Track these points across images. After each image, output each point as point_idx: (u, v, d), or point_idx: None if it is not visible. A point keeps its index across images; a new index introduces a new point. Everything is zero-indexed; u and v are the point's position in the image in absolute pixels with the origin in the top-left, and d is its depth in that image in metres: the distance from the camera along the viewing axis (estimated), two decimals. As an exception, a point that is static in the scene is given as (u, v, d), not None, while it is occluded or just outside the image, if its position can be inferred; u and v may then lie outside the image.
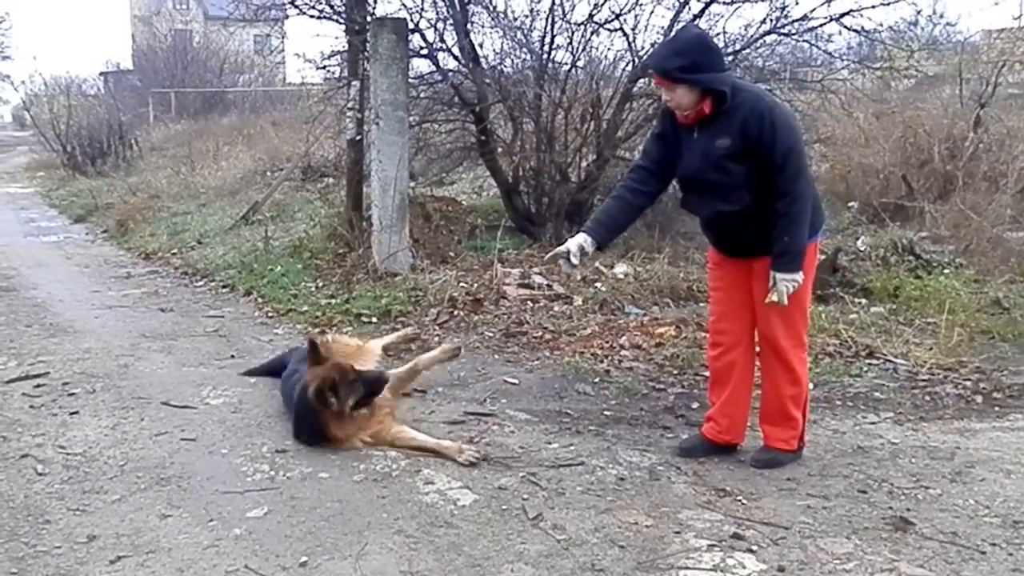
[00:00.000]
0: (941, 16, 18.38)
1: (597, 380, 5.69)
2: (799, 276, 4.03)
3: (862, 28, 8.84)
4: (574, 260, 4.15)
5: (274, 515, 3.80)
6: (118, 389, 5.58)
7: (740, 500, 3.95)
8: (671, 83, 3.99)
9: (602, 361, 6.03)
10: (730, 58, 8.82)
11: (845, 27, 8.73)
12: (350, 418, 4.52)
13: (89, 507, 3.90)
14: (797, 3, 8.72)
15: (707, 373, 5.54)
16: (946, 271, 7.65)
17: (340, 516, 3.79)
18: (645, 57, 9.02)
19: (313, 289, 8.15)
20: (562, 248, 4.17)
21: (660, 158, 4.26)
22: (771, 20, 8.82)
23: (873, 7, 8.54)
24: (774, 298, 4.04)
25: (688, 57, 3.93)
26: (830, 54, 9.69)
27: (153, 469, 4.30)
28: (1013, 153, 9.94)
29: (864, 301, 7.22)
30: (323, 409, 4.49)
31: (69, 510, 3.87)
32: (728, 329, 4.36)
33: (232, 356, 6.41)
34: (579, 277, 7.81)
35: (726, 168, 4.01)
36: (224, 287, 8.98)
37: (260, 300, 8.23)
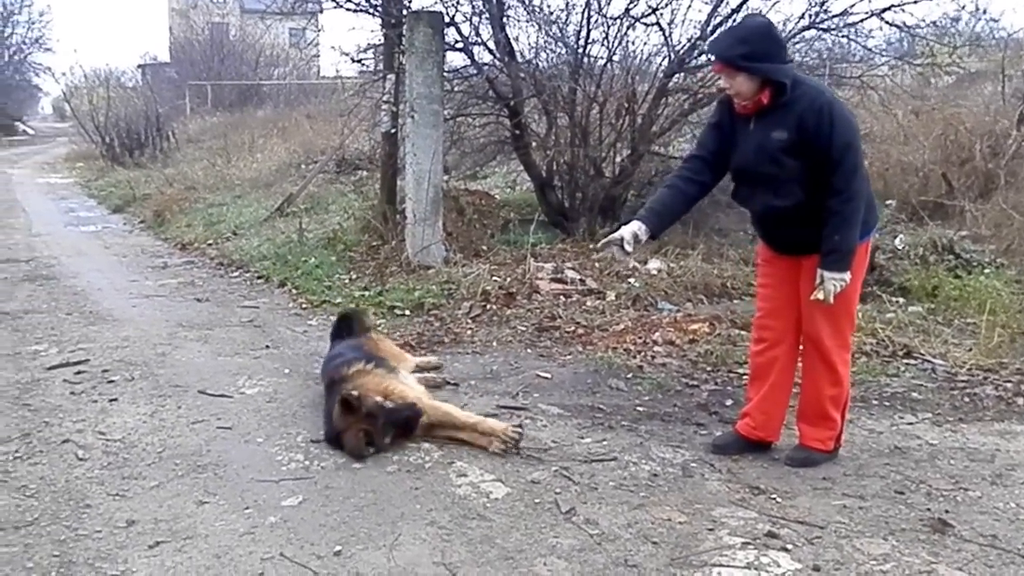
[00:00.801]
0: (984, 12, 18.01)
1: (630, 375, 5.69)
2: (847, 276, 3.99)
3: (904, 24, 8.74)
4: (628, 247, 4.11)
5: (309, 504, 3.83)
6: (156, 377, 5.66)
7: (774, 498, 3.93)
8: (732, 71, 3.96)
9: (635, 357, 6.03)
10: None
11: (886, 23, 8.64)
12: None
13: (128, 492, 3.95)
14: (837, -1, 8.62)
15: (741, 370, 5.60)
16: (986, 271, 7.55)
17: (374, 506, 3.82)
18: (682, 51, 8.99)
19: (347, 281, 8.21)
20: (616, 235, 4.14)
21: (716, 148, 4.23)
22: (810, 16, 8.75)
23: (915, 2, 8.45)
24: (819, 296, 4.01)
25: (751, 45, 3.90)
26: (869, 50, 9.58)
27: (190, 456, 4.35)
28: (1057, 152, 9.78)
29: (902, 300, 7.15)
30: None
31: (109, 495, 3.92)
32: (773, 326, 4.33)
33: (267, 346, 6.48)
34: (631, 265, 7.79)
35: (781, 161, 3.97)
36: (259, 278, 9.07)
37: (294, 291, 8.31)
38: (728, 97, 4.12)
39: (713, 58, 4.11)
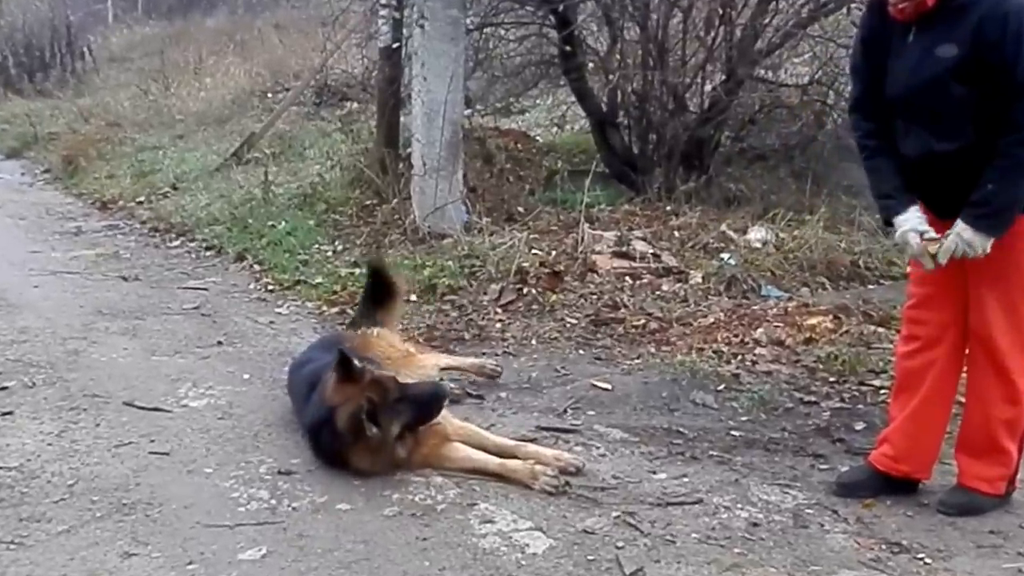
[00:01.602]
0: None
1: (722, 387, 5.69)
2: (987, 244, 3.94)
3: None
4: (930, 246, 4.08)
5: (275, 559, 3.87)
6: (65, 383, 5.73)
7: (922, 559, 3.92)
8: None
9: (729, 361, 6.03)
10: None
11: None
12: (391, 449, 4.57)
13: (27, 539, 4.00)
14: None
15: (878, 382, 5.62)
16: None
17: (365, 563, 3.85)
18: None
19: (330, 254, 8.28)
20: (917, 244, 4.10)
21: (877, 74, 4.19)
22: None
23: None
24: (932, 251, 4.01)
25: None
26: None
27: (112, 492, 4.40)
28: None
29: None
30: (356, 441, 4.55)
31: (0, 543, 3.98)
32: (929, 319, 4.32)
33: (219, 342, 6.55)
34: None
35: (947, 88, 3.93)
36: (208, 249, 9.17)
37: (257, 268, 8.40)
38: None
39: None
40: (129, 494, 4.39)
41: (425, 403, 4.60)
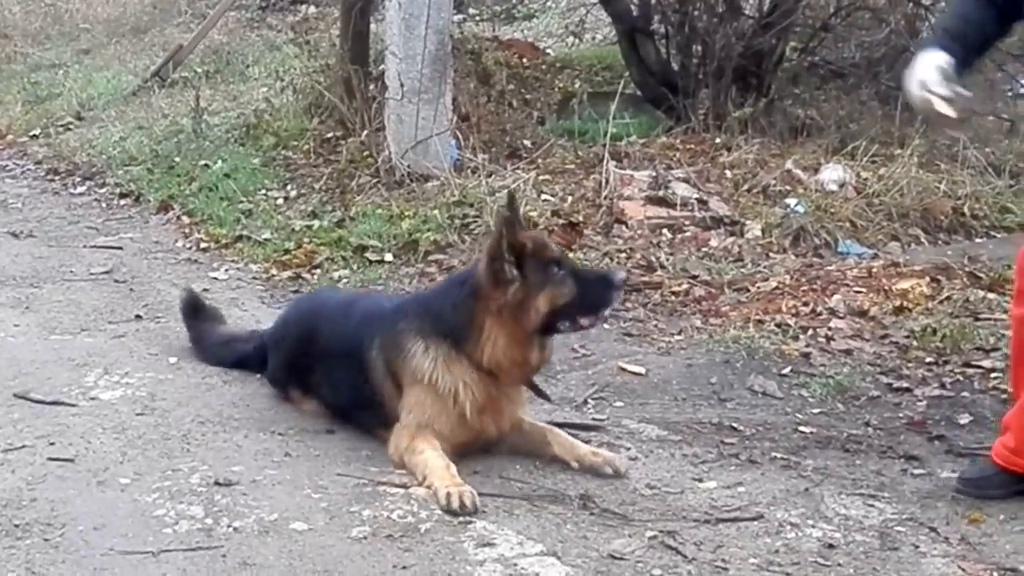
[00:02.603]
0: None
1: (787, 371, 5.72)
2: None
3: None
4: (946, 93, 4.12)
5: (212, 594, 3.88)
6: (-63, 369, 5.73)
7: (1046, 591, 3.94)
8: None
9: (797, 338, 6.07)
10: None
11: None
12: (530, 331, 4.56)
13: None
14: None
15: (989, 362, 5.62)
16: None
17: (328, 599, 3.86)
18: None
19: (281, 202, 8.29)
20: (918, 91, 4.19)
21: None
22: None
23: None
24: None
25: None
26: None
27: (1, 509, 4.38)
28: None
29: None
30: (493, 289, 4.56)
31: None
32: None
33: (138, 316, 6.57)
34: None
35: None
36: (123, 196, 9.20)
37: (186, 220, 8.43)
38: None
39: None
40: (22, 512, 4.35)
41: (593, 285, 4.61)
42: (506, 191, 4.62)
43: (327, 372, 5.12)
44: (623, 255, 7.02)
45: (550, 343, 4.68)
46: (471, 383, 4.57)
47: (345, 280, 6.96)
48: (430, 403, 4.64)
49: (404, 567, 4.02)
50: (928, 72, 4.13)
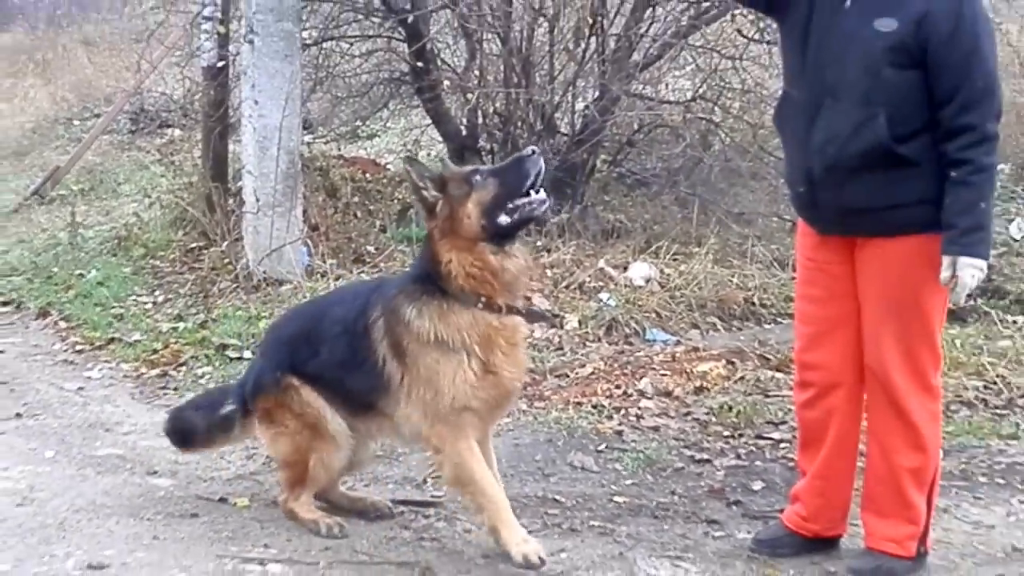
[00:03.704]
0: None
1: (603, 447, 5.72)
2: (984, 266, 4.02)
3: None
4: None
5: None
6: None
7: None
8: None
9: (611, 417, 6.08)
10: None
11: None
12: (461, 238, 4.39)
13: None
14: None
15: (778, 434, 5.77)
16: None
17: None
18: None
19: (149, 307, 8.17)
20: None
21: None
22: None
23: None
24: (958, 299, 4.10)
25: None
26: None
27: None
28: None
29: (1021, 320, 7.28)
30: (427, 219, 4.54)
31: None
32: (821, 362, 4.39)
33: (18, 415, 6.40)
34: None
35: (878, 68, 4.00)
36: (4, 305, 8.99)
37: (63, 325, 8.24)
38: None
39: None
40: (-96, 603, 4.22)
41: (510, 171, 4.45)
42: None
43: (333, 356, 4.74)
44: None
45: (517, 249, 4.45)
46: (472, 322, 4.35)
47: (208, 376, 6.86)
48: (443, 364, 4.38)
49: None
50: None
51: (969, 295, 4.25)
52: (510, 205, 4.31)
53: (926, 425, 4.25)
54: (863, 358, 4.30)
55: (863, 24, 4.01)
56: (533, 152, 4.44)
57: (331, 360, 4.72)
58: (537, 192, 4.33)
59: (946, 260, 3.98)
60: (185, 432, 5.19)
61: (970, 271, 3.95)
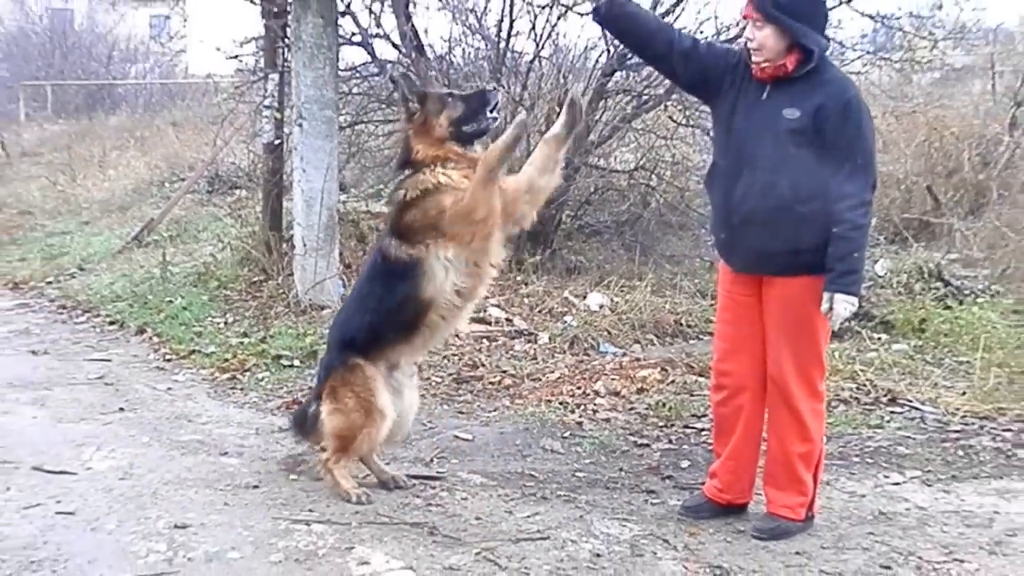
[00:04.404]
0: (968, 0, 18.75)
1: (567, 434, 5.71)
2: (855, 301, 4.10)
3: (877, 13, 9.01)
4: None
5: (172, 606, 3.74)
6: (-23, 451, 5.48)
7: (740, 579, 3.97)
8: (762, 20, 4.06)
9: (573, 411, 6.07)
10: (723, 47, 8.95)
11: (858, 12, 8.89)
12: (431, 138, 4.48)
13: (-60, 599, 3.81)
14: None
15: (699, 424, 5.76)
16: (980, 300, 7.78)
17: (254, 606, 3.75)
18: (621, 46, 9.11)
19: (222, 325, 8.12)
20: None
21: (706, 58, 4.33)
22: (771, 3, 8.94)
23: (890, -12, 8.73)
24: (834, 326, 4.17)
25: None
26: (841, 43, 9.85)
27: (21, 550, 4.20)
28: (1056, 160, 10.18)
29: (885, 337, 7.32)
30: (406, 121, 4.60)
31: (-85, 603, 3.78)
32: (733, 370, 4.42)
33: (121, 409, 6.35)
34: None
35: (784, 146, 4.07)
36: (111, 324, 8.92)
37: (156, 340, 8.19)
38: (747, 55, 4.19)
39: (747, 1, 4.16)
40: (37, 552, 4.18)
41: (475, 97, 4.56)
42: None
43: (372, 302, 4.68)
44: (456, 357, 7.02)
45: (474, 149, 4.56)
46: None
47: (266, 379, 6.88)
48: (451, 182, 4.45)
49: (307, 582, 3.94)
50: None
51: (845, 321, 4.32)
52: (473, 120, 4.48)
53: (812, 421, 4.30)
54: (766, 368, 4.33)
55: (775, 112, 4.09)
56: (494, 88, 4.65)
57: (377, 307, 4.64)
58: (492, 113, 4.53)
59: (826, 295, 4.04)
60: (299, 427, 5.09)
61: (843, 304, 4.03)
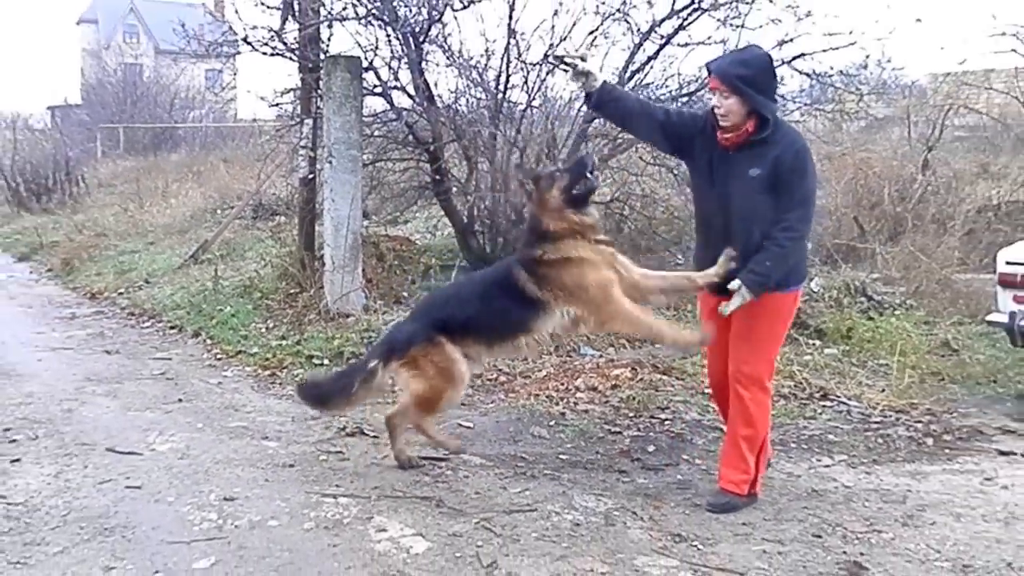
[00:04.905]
0: (889, 60, 18.83)
1: (552, 423, 5.71)
2: (750, 299, 4.12)
3: (813, 71, 9.05)
4: (580, 66, 4.18)
5: (221, 566, 3.75)
6: (61, 435, 5.48)
7: (696, 545, 3.98)
8: (728, 91, 4.09)
9: (557, 403, 6.06)
10: (684, 99, 8.99)
11: (797, 71, 8.93)
12: (550, 209, 4.42)
13: (30, 560, 3.81)
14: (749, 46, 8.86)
15: (663, 415, 5.87)
16: (897, 312, 7.81)
17: (290, 566, 3.75)
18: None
19: (263, 330, 8.10)
20: (580, 58, 4.22)
21: (679, 127, 4.36)
22: (724, 63, 8.97)
23: (823, 51, 8.76)
24: (725, 309, 4.15)
25: (753, 71, 4.09)
26: (783, 96, 9.90)
27: (97, 519, 4.22)
28: (960, 196, 10.24)
29: (818, 343, 7.34)
30: (529, 202, 4.58)
31: (9, 563, 3.77)
32: (717, 371, 4.53)
33: (179, 400, 6.35)
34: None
35: (755, 200, 4.13)
36: (172, 328, 8.91)
37: (209, 341, 8.18)
38: (712, 118, 4.23)
39: (713, 74, 4.19)
40: (110, 520, 4.20)
41: (576, 168, 4.49)
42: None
43: (484, 308, 4.57)
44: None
45: (589, 211, 4.48)
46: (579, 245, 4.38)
47: (301, 374, 6.84)
48: (585, 266, 4.35)
49: (335, 546, 3.95)
50: (588, 64, 4.27)
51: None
52: (579, 184, 4.39)
53: (754, 409, 4.31)
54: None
55: (743, 170, 4.15)
56: (587, 153, 4.66)
57: (489, 314, 4.55)
58: (592, 174, 4.44)
59: (735, 282, 4.13)
60: (320, 397, 4.95)
61: (741, 296, 4.12)
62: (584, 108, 9.38)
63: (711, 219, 4.37)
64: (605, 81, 4.33)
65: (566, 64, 4.28)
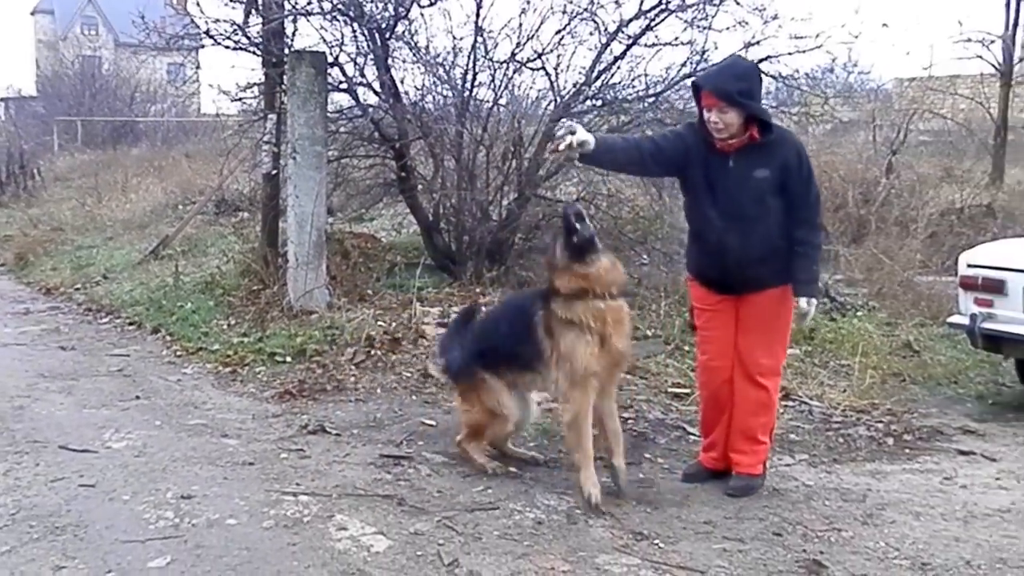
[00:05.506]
0: (855, 64, 19.09)
1: (516, 422, 5.69)
2: (816, 300, 4.41)
3: (779, 74, 9.15)
4: (575, 141, 4.16)
5: (177, 565, 3.70)
6: (12, 432, 5.39)
7: (657, 544, 4.00)
8: (727, 105, 4.17)
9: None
10: (651, 100, 9.04)
11: (764, 73, 9.00)
12: (558, 269, 4.44)
13: (-23, 558, 3.75)
14: (716, 48, 8.97)
15: (625, 415, 5.72)
16: (860, 314, 7.91)
17: (248, 565, 3.72)
18: (568, 96, 9.16)
19: (225, 327, 8.03)
20: (568, 132, 4.20)
21: (671, 152, 4.40)
22: (691, 63, 9.07)
23: (790, 54, 8.87)
24: (810, 322, 4.76)
25: (747, 83, 4.23)
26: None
27: (47, 518, 4.15)
28: (923, 199, 10.40)
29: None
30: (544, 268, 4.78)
31: (-45, 562, 3.71)
32: (720, 365, 4.58)
33: (137, 397, 6.27)
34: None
35: (765, 201, 4.27)
36: (130, 324, 8.81)
37: (168, 338, 8.09)
38: (696, 127, 4.32)
39: (707, 91, 4.25)
40: (61, 519, 4.14)
41: (562, 221, 4.50)
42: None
43: (511, 340, 4.69)
44: (423, 356, 6.94)
45: (597, 258, 4.38)
46: (586, 307, 4.32)
47: (262, 371, 6.81)
48: (576, 342, 4.34)
49: (294, 544, 3.92)
50: (581, 134, 4.19)
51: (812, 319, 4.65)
52: (574, 234, 4.36)
53: (775, 398, 4.62)
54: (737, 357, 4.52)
55: (747, 175, 4.26)
56: (568, 204, 4.99)
57: (509, 343, 4.68)
58: (581, 224, 4.40)
59: (801, 301, 4.35)
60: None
61: (812, 306, 4.39)
62: (550, 107, 9.44)
63: (710, 225, 4.43)
64: (596, 137, 4.30)
65: (571, 153, 4.25)
